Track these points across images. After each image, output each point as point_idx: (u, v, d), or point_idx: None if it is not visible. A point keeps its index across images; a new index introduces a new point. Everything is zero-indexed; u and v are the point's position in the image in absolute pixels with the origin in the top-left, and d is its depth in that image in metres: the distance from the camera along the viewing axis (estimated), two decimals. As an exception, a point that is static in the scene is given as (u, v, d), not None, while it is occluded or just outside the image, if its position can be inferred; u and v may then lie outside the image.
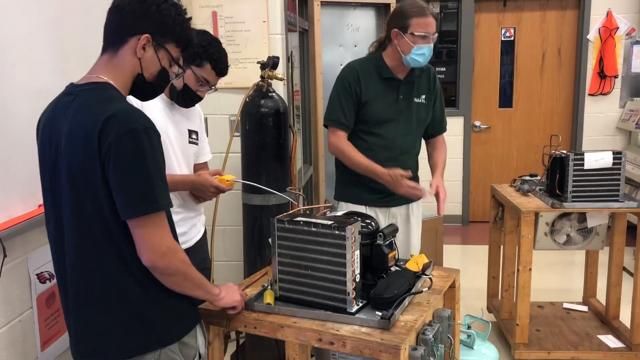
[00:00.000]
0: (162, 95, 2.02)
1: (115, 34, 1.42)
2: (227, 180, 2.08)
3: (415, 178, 2.61)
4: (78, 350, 1.46)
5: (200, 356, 1.52)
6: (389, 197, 2.49)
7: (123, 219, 1.32)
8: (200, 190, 2.07)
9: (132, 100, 1.83)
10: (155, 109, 1.99)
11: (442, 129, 2.68)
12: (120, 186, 1.31)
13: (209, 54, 1.98)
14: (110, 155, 1.29)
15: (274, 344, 2.31)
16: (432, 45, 2.38)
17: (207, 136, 2.99)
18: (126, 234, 1.35)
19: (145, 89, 1.49)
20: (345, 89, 2.44)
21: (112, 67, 1.42)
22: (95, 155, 1.30)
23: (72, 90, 1.42)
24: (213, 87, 2.07)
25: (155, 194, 1.33)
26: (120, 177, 1.30)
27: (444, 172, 2.54)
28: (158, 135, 1.37)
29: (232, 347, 2.90)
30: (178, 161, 2.06)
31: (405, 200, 2.56)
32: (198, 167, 2.22)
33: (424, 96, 2.54)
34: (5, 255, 1.79)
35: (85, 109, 1.35)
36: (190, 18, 1.52)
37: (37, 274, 2.03)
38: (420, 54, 2.37)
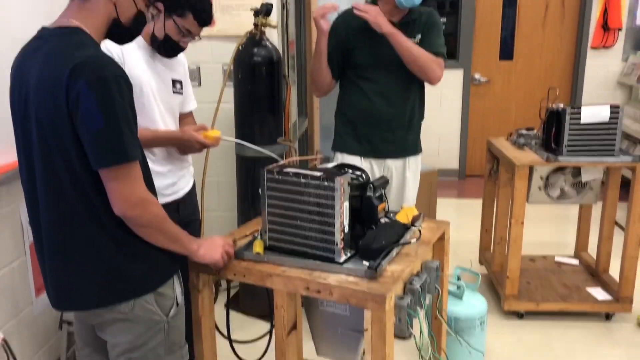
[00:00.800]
0: (144, 45, 1.96)
1: None
2: (213, 137, 2.04)
3: (416, 127, 2.59)
4: (54, 301, 1.48)
5: (177, 304, 1.54)
6: (385, 149, 2.47)
7: (93, 168, 1.31)
8: (185, 147, 2.04)
9: (111, 46, 1.78)
10: (138, 61, 1.93)
11: (434, 48, 2.46)
12: (89, 136, 1.28)
13: (190, 3, 1.89)
14: (78, 104, 1.26)
15: (265, 293, 2.34)
16: None
17: (200, 85, 2.94)
18: (97, 186, 1.33)
19: (122, 33, 1.45)
20: (329, 41, 2.40)
21: (84, 12, 1.37)
22: (63, 104, 1.27)
23: (43, 34, 1.38)
24: (197, 37, 1.99)
25: (125, 145, 1.31)
26: (88, 127, 1.27)
27: (401, 37, 2.37)
28: (129, 84, 1.34)
29: (223, 297, 2.95)
30: (161, 113, 2.00)
31: (402, 153, 2.55)
32: (183, 117, 2.17)
33: (419, 35, 2.45)
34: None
35: (53, 55, 1.31)
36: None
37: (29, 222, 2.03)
38: None
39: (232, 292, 3.06)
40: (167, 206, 1.72)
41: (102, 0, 1.37)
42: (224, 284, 2.95)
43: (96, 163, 1.30)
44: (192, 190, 2.21)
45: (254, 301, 2.87)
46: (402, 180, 2.60)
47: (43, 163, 1.35)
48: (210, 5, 1.96)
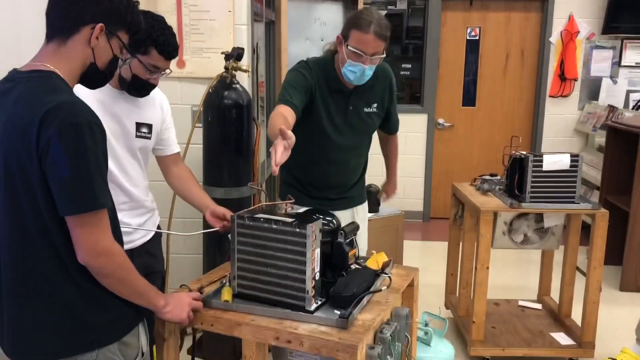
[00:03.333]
0: (104, 87, 1.92)
1: (64, 22, 1.36)
2: None
3: (363, 179, 2.60)
4: (10, 349, 1.41)
5: (143, 354, 1.49)
6: (331, 202, 2.42)
7: (61, 214, 1.27)
8: None
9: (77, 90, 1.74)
10: (89, 103, 1.86)
11: (395, 130, 2.62)
12: (59, 182, 1.25)
13: (153, 38, 1.82)
14: (49, 149, 1.23)
15: (231, 339, 2.28)
16: (367, 66, 2.14)
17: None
18: (63, 231, 1.30)
19: (96, 77, 1.44)
20: (300, 77, 2.22)
21: (60, 56, 1.36)
22: (33, 148, 1.24)
23: (14, 77, 1.36)
24: (166, 71, 1.93)
25: (95, 192, 1.28)
26: (58, 173, 1.25)
27: (396, 173, 2.55)
28: (103, 131, 1.32)
29: (188, 342, 2.86)
30: (116, 156, 1.91)
31: (349, 204, 2.53)
32: (167, 160, 2.12)
33: (375, 105, 2.38)
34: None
35: (27, 98, 1.29)
36: (138, 2, 1.48)
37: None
38: (351, 71, 2.16)
39: (198, 335, 2.98)
40: None
41: (79, 45, 1.36)
42: (189, 328, 2.86)
43: (63, 209, 1.27)
44: (154, 241, 2.12)
45: (219, 347, 2.79)
46: None
47: (8, 204, 1.31)
48: (174, 36, 1.91)
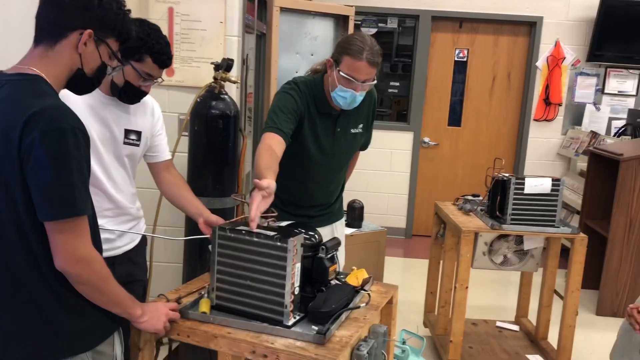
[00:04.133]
0: (95, 91, 1.92)
1: (53, 27, 1.36)
2: None
3: (340, 197, 2.60)
4: None
5: None
6: (310, 219, 2.41)
7: (40, 220, 1.26)
8: None
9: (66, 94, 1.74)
10: (77, 108, 1.81)
11: (366, 147, 2.57)
12: (39, 187, 1.25)
13: (148, 46, 1.84)
14: (31, 153, 1.23)
15: (207, 350, 2.27)
16: (358, 93, 2.14)
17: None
18: (41, 237, 1.29)
19: (83, 83, 1.44)
20: (291, 101, 2.18)
21: (47, 61, 1.35)
22: (15, 152, 1.24)
23: (1, 79, 1.35)
24: (159, 79, 1.94)
25: (76, 199, 1.27)
26: (39, 177, 1.24)
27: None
28: (87, 137, 1.32)
29: (164, 352, 2.83)
30: (102, 162, 1.91)
31: (329, 221, 2.53)
32: (158, 167, 2.12)
33: (361, 125, 2.39)
34: None
35: (10, 101, 1.28)
36: (129, 11, 1.48)
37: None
38: (342, 96, 2.15)
39: (174, 345, 2.95)
40: None
41: (67, 50, 1.36)
42: (164, 339, 2.84)
43: (43, 215, 1.26)
44: (139, 249, 2.11)
45: (195, 358, 2.77)
46: None
47: None
48: (169, 45, 1.92)
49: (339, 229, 2.60)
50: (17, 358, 1.35)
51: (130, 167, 2.04)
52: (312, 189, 2.41)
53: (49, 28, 1.36)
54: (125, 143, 1.98)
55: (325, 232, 2.47)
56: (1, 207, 1.28)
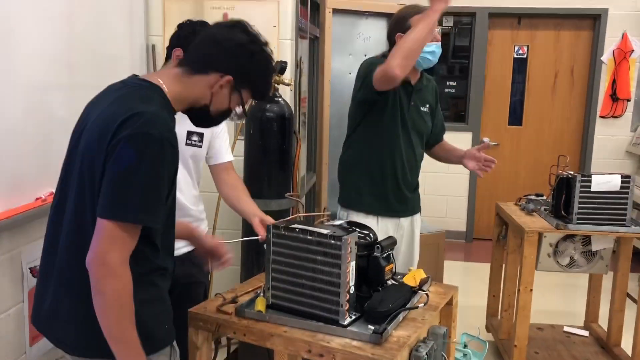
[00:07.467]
0: None
1: (201, 60, 1.41)
2: None
3: (418, 188, 2.62)
4: (40, 325, 1.43)
5: None
6: (400, 208, 2.48)
7: (96, 214, 1.27)
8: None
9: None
10: None
11: (442, 136, 2.72)
12: (107, 182, 1.26)
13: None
14: (115, 150, 1.25)
15: (266, 352, 2.27)
16: (439, 43, 2.34)
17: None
18: None
19: (204, 119, 1.48)
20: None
21: (179, 83, 1.40)
22: (105, 145, 1.27)
23: (127, 81, 1.41)
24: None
25: (135, 205, 1.25)
26: (112, 175, 1.26)
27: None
28: (175, 149, 1.32)
29: (222, 354, 2.86)
30: None
31: (412, 211, 2.56)
32: (218, 168, 2.15)
33: (427, 105, 2.53)
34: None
35: (119, 100, 1.33)
36: (275, 70, 1.50)
37: (30, 268, 2.01)
38: (430, 51, 2.31)
39: (233, 347, 2.98)
40: None
41: (202, 84, 1.40)
42: (224, 340, 2.87)
43: (98, 209, 1.27)
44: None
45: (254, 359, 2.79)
46: (412, 238, 2.59)
47: (76, 194, 1.34)
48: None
49: (417, 222, 2.62)
50: (68, 342, 1.37)
51: (193, 168, 2.08)
52: (402, 166, 2.45)
53: (197, 59, 1.42)
54: (187, 144, 2.03)
55: (407, 224, 2.55)
56: (87, 197, 1.31)
